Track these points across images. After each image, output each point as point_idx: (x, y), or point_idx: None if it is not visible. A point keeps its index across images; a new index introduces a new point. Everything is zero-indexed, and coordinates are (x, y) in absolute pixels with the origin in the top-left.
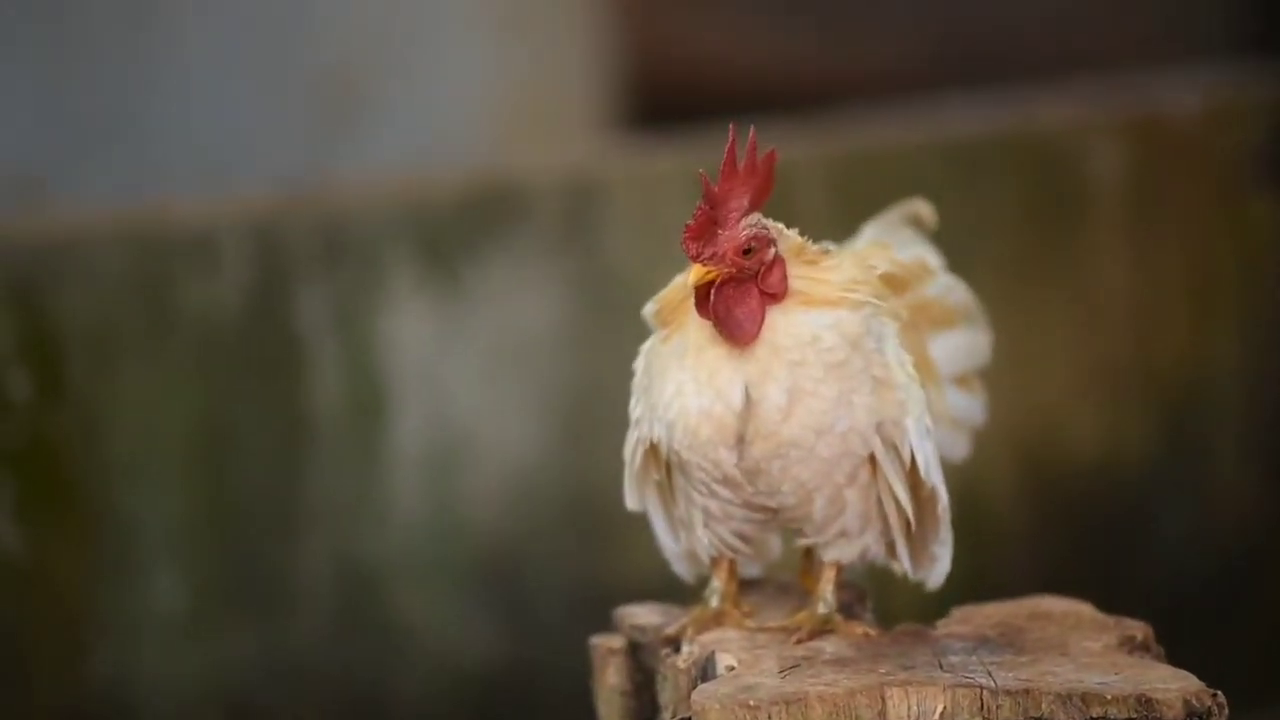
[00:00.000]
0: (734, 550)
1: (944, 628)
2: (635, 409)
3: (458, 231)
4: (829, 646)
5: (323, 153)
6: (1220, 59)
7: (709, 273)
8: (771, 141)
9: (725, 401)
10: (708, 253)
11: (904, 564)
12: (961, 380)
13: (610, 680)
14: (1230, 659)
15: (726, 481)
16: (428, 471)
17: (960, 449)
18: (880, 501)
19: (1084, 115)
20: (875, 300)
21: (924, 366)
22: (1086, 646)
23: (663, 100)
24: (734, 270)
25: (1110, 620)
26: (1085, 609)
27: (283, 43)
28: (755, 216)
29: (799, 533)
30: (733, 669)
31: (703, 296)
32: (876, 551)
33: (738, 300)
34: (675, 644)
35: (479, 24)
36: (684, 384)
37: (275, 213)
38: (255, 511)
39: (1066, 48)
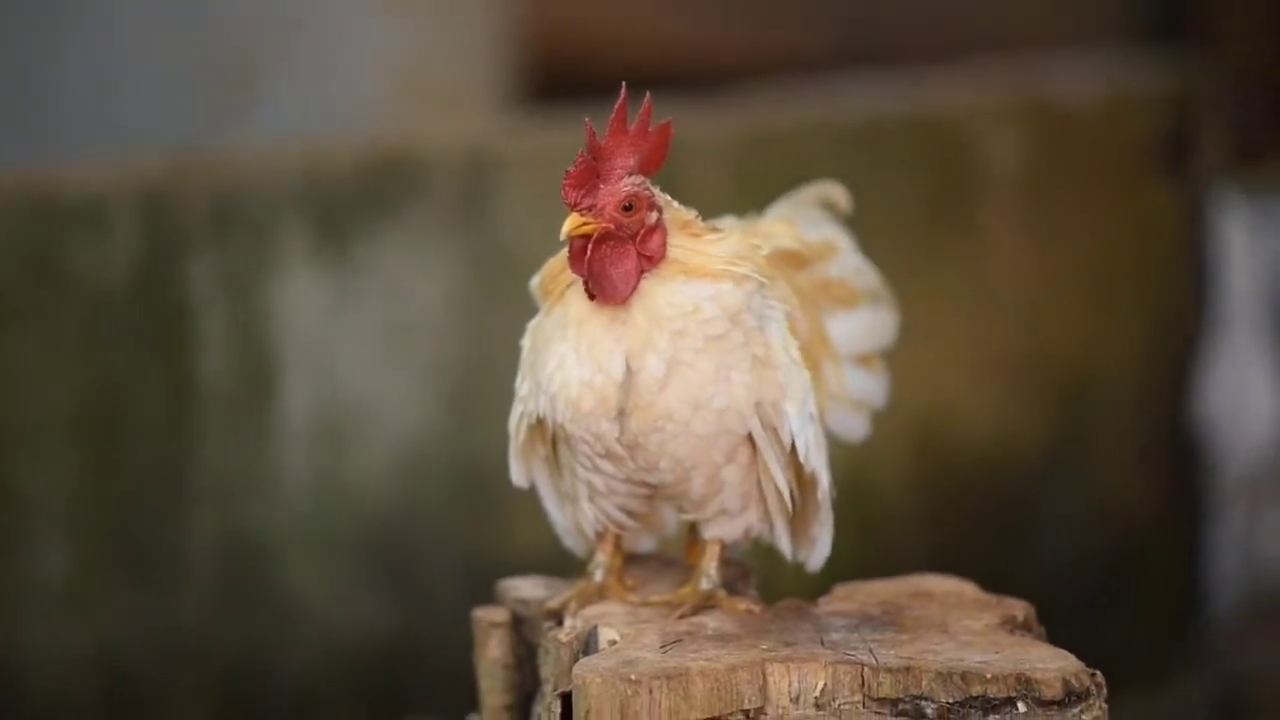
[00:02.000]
0: (620, 525)
1: (826, 605)
2: (520, 385)
3: (351, 204)
4: (711, 622)
5: (219, 123)
6: (1121, 46)
7: (585, 224)
8: (671, 119)
9: (606, 373)
10: (586, 203)
11: (783, 545)
12: (863, 360)
13: (492, 653)
14: (1116, 640)
15: (609, 456)
16: (317, 444)
17: (859, 429)
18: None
19: (984, 100)
20: (757, 275)
21: (821, 344)
22: (968, 625)
23: (562, 76)
24: (611, 226)
25: (992, 599)
26: (968, 588)
27: (180, 12)
28: (640, 178)
29: (680, 509)
30: (615, 643)
31: (578, 251)
32: (761, 530)
33: (614, 260)
34: (558, 617)
35: None
36: (565, 356)
37: (167, 181)
38: (142, 482)
39: (968, 32)
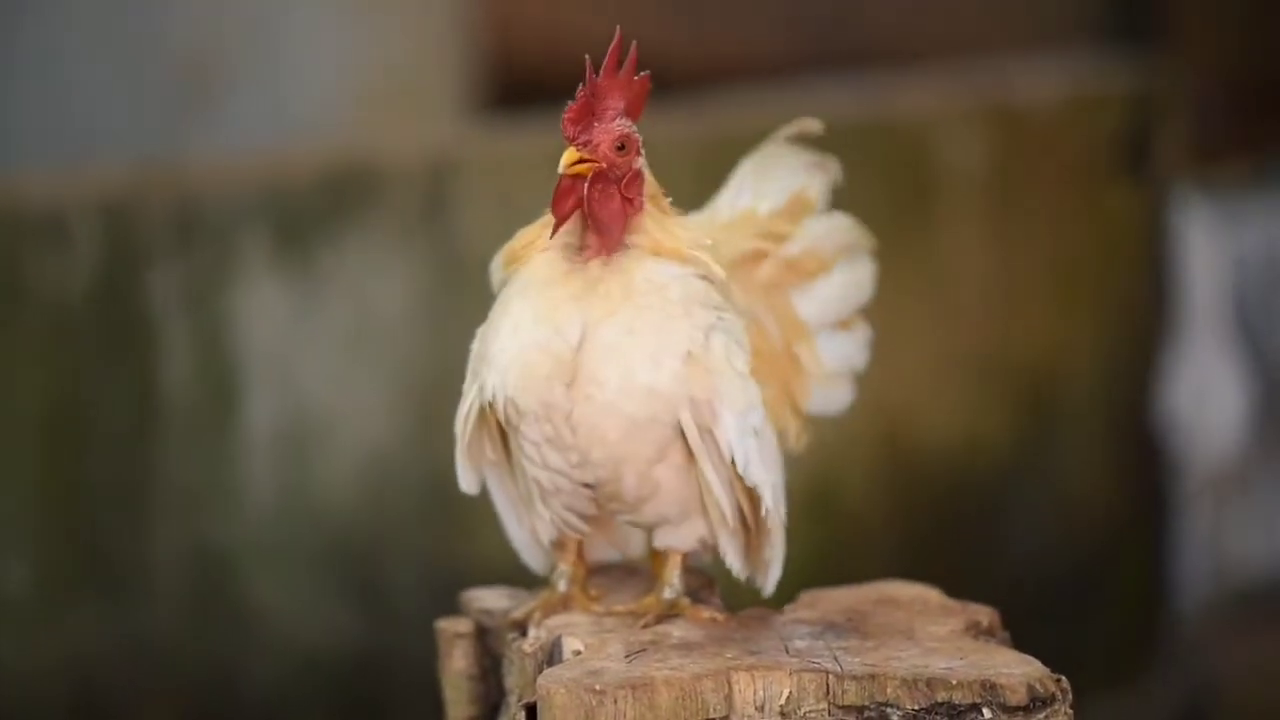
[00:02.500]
0: (574, 529)
1: (791, 613)
2: (469, 380)
3: (313, 213)
4: (676, 631)
5: (179, 132)
6: (1082, 48)
7: (581, 163)
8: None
9: (563, 336)
10: (583, 138)
11: (730, 562)
12: (842, 323)
13: (457, 664)
14: (1082, 640)
15: (554, 442)
16: (280, 454)
17: (842, 399)
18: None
19: (944, 102)
20: (713, 268)
21: (791, 327)
22: (932, 631)
23: (522, 83)
24: (605, 165)
25: (957, 605)
26: (932, 594)
27: (140, 21)
28: (629, 121)
29: (619, 513)
30: (579, 653)
31: (565, 191)
32: (710, 538)
33: (602, 201)
34: (522, 628)
35: (338, 4)
36: (522, 318)
37: (127, 191)
38: (106, 493)
39: (928, 34)
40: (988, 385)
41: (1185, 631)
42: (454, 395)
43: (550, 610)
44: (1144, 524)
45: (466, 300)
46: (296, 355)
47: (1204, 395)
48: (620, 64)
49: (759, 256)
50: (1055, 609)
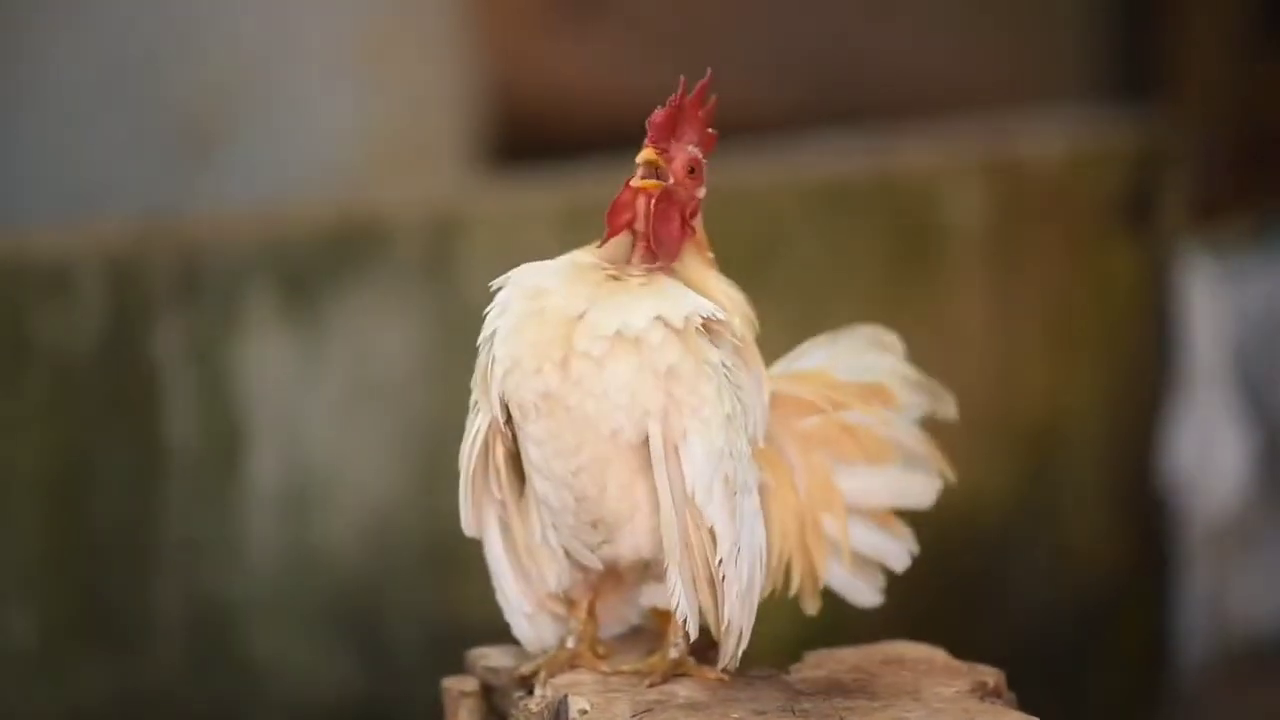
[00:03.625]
0: (584, 560)
1: (797, 672)
2: (471, 414)
3: (318, 266)
4: (682, 690)
5: (184, 186)
6: (1082, 104)
7: (655, 173)
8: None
9: (571, 304)
10: (663, 144)
11: (677, 607)
12: (881, 518)
13: None
14: (1083, 695)
15: (556, 439)
16: (284, 508)
17: (869, 593)
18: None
19: (945, 158)
20: (735, 326)
21: (822, 490)
22: (939, 692)
23: (527, 137)
24: (674, 181)
25: (963, 666)
26: (938, 654)
27: (144, 74)
28: (699, 151)
29: (601, 546)
30: (585, 712)
31: (624, 204)
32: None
33: (664, 219)
34: (528, 686)
35: (342, 57)
36: (544, 269)
37: (133, 245)
38: (109, 546)
39: (930, 90)
40: (989, 440)
41: (1188, 687)
42: (458, 449)
43: (557, 668)
44: (1146, 579)
45: (471, 355)
46: (301, 409)
47: (1206, 450)
48: (704, 99)
49: (811, 409)
50: (1057, 664)
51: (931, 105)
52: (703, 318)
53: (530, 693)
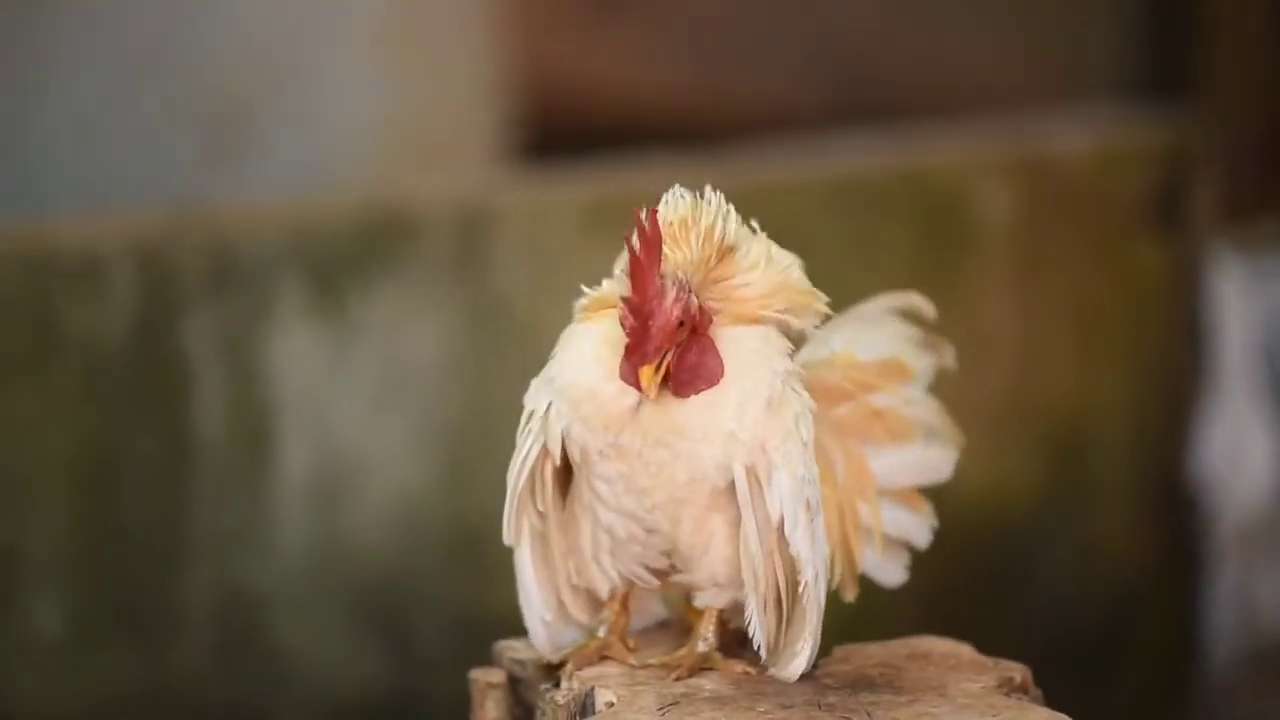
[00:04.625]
0: (643, 583)
1: (824, 667)
2: (524, 426)
3: (347, 259)
4: (708, 684)
5: (213, 177)
6: (1110, 102)
7: (657, 371)
8: (662, 174)
9: (620, 394)
10: (650, 351)
11: (756, 636)
12: (906, 497)
13: (489, 714)
14: (1110, 694)
15: (628, 480)
16: (313, 500)
17: (896, 572)
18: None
19: (973, 155)
20: (791, 321)
21: (858, 477)
22: (965, 688)
23: (556, 130)
24: (674, 349)
25: (989, 661)
26: (965, 650)
27: (173, 66)
28: (671, 285)
29: (676, 570)
30: (612, 705)
31: (665, 382)
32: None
33: (693, 355)
34: (555, 679)
35: (371, 50)
36: (601, 351)
37: (162, 237)
38: (138, 538)
39: (957, 87)
40: (1017, 438)
41: (1215, 684)
42: (486, 441)
43: (585, 659)
44: (1174, 577)
45: (499, 348)
46: (329, 401)
47: (1235, 449)
48: (654, 249)
49: (842, 395)
50: (1085, 661)
51: (959, 103)
52: (783, 373)
53: (557, 685)
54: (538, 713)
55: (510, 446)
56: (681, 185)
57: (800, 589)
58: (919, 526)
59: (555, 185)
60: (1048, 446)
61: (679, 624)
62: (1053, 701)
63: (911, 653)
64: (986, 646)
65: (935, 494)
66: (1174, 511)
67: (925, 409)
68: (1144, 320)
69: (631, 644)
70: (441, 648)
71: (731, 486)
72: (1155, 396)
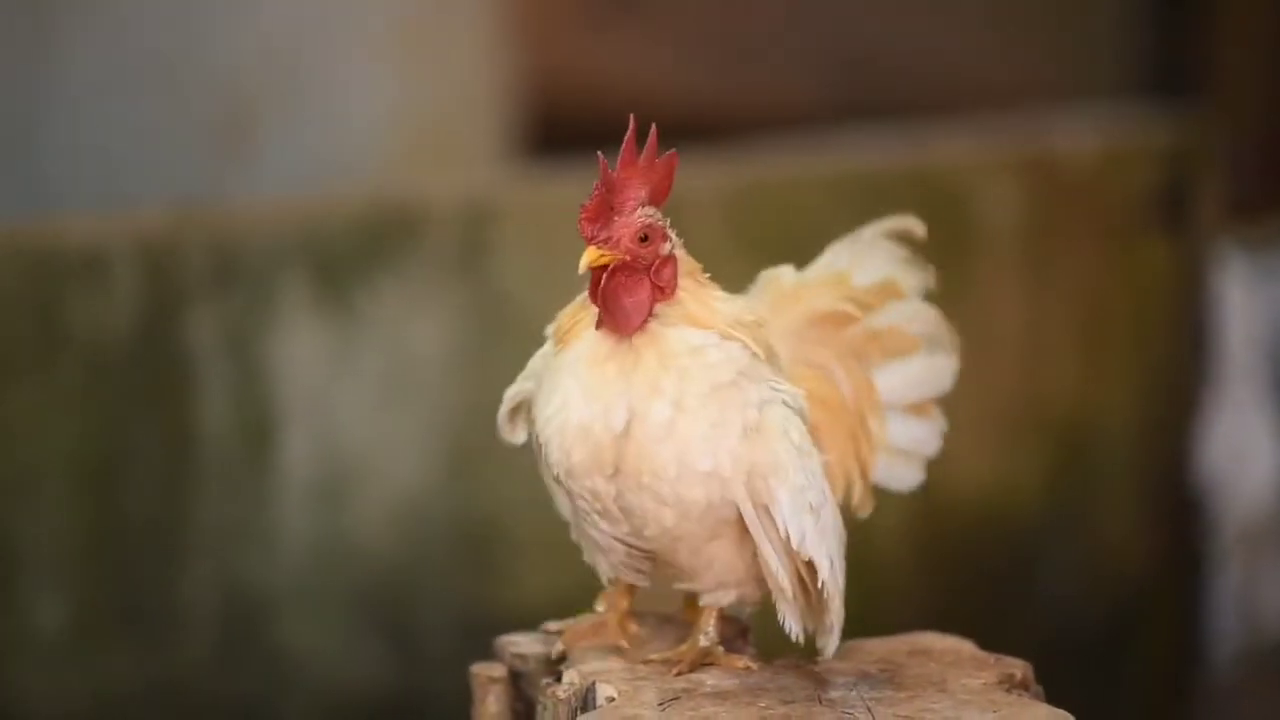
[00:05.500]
0: (633, 580)
1: (825, 662)
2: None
3: (351, 256)
4: (709, 679)
5: (218, 175)
6: (1116, 101)
7: (603, 256)
8: (674, 150)
9: (607, 419)
10: (603, 235)
11: (789, 629)
12: (917, 408)
13: (490, 709)
14: (1113, 693)
15: (605, 515)
16: (316, 496)
17: (911, 478)
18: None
19: (980, 153)
20: (751, 345)
21: (865, 395)
22: (966, 684)
23: (561, 127)
24: (628, 257)
25: (990, 658)
26: (966, 646)
27: (181, 63)
28: (653, 209)
29: (677, 579)
30: (613, 700)
31: (594, 281)
32: (755, 598)
33: (628, 289)
34: (556, 673)
35: (378, 48)
36: (570, 394)
37: (167, 233)
38: (141, 534)
39: (964, 85)
40: (1021, 437)
41: (1218, 683)
42: (489, 438)
43: (579, 635)
44: (1178, 576)
45: (503, 345)
46: (333, 398)
47: (1239, 450)
48: (637, 153)
49: (846, 320)
50: (1087, 659)
51: (967, 102)
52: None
53: (558, 680)
54: (539, 707)
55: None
56: (688, 182)
57: (820, 585)
58: (930, 433)
59: (561, 183)
60: (1052, 445)
61: (680, 619)
62: (1055, 699)
63: (913, 649)
64: (989, 644)
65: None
66: (1177, 510)
67: (923, 322)
68: (1148, 319)
69: (634, 627)
70: (444, 643)
71: (727, 517)
72: (1159, 395)
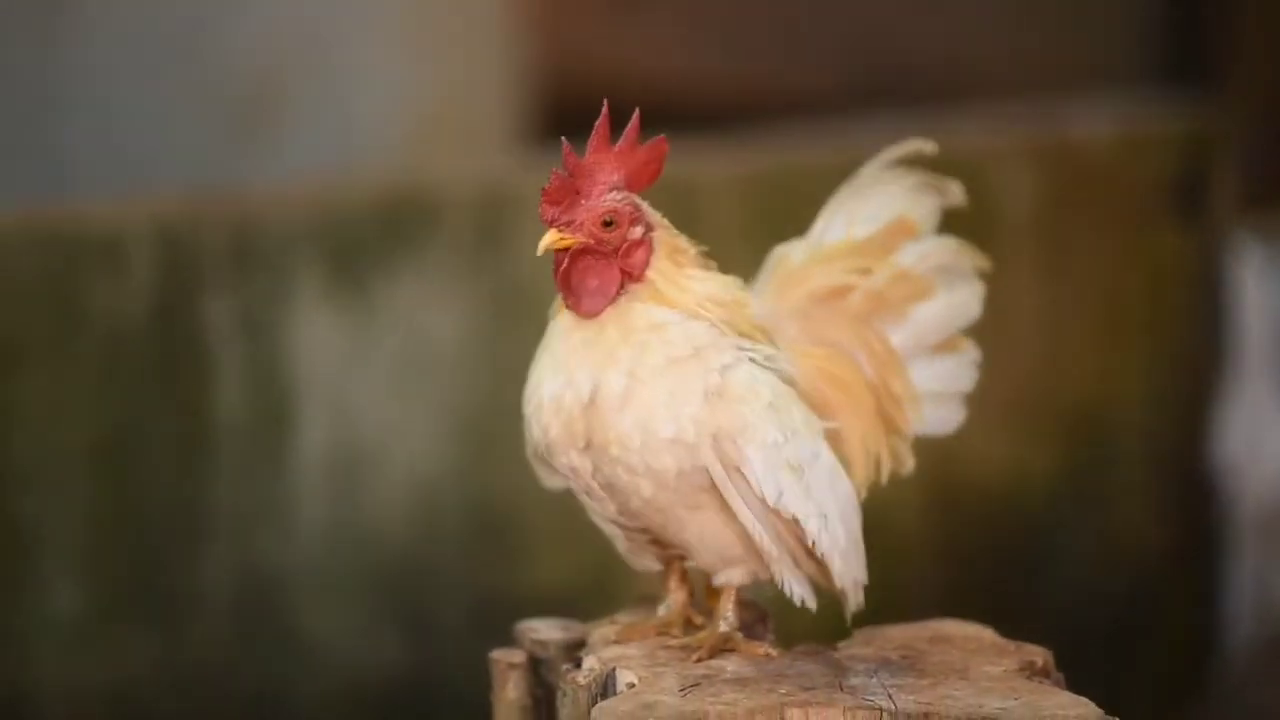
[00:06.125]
0: (647, 569)
1: (845, 649)
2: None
3: (367, 242)
4: (730, 665)
5: (236, 159)
6: (1136, 88)
7: (561, 239)
8: (683, 158)
9: (575, 389)
10: (564, 219)
11: (794, 594)
12: (946, 345)
13: (510, 695)
14: (1129, 679)
15: (591, 494)
16: (332, 481)
17: (951, 419)
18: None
19: (996, 141)
20: (721, 326)
21: (883, 359)
22: (987, 671)
23: (577, 114)
24: (590, 240)
25: (1011, 645)
26: (986, 633)
27: (197, 49)
28: (625, 193)
29: (688, 563)
30: (633, 686)
31: (557, 264)
32: (767, 575)
33: (593, 272)
34: (576, 659)
35: (394, 35)
36: (544, 368)
37: (184, 218)
38: (158, 518)
39: (980, 73)
40: (1037, 423)
41: (1233, 671)
42: (505, 423)
43: (641, 632)
44: (1192, 563)
45: (519, 329)
46: (349, 382)
47: (1254, 437)
48: (609, 138)
49: (847, 290)
50: (1102, 647)
51: (982, 89)
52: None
53: (578, 666)
54: (558, 693)
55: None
56: (703, 169)
57: (810, 543)
58: (962, 367)
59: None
60: (1068, 432)
61: (701, 606)
62: (1074, 685)
63: (933, 636)
64: (1007, 631)
65: (957, 479)
66: (1193, 498)
67: (940, 256)
68: (1164, 305)
69: (699, 619)
70: (460, 627)
71: (703, 484)
72: (1175, 383)
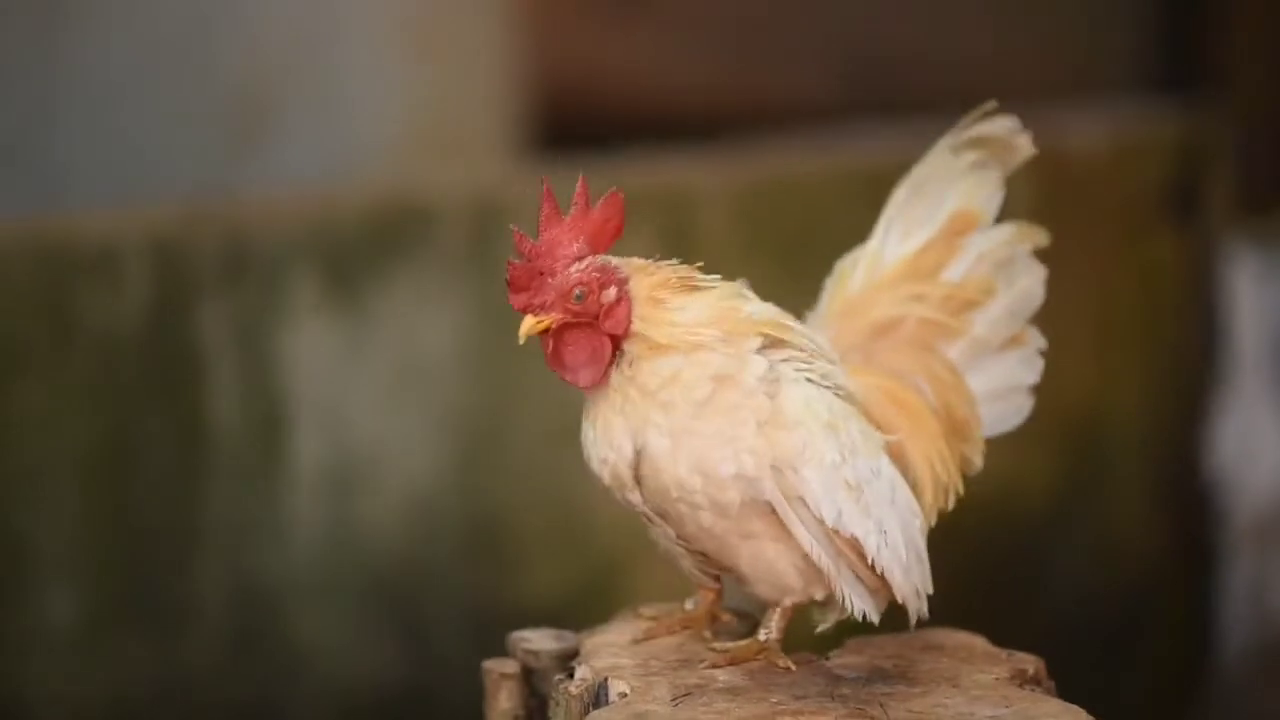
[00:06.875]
0: (706, 585)
1: (837, 658)
2: None
3: (361, 251)
4: (722, 675)
5: (230, 169)
6: (1127, 96)
7: (539, 323)
8: (679, 169)
9: (619, 453)
10: (535, 303)
11: (857, 609)
12: (1013, 340)
13: (502, 705)
14: (1124, 687)
15: (652, 521)
16: (327, 491)
17: (1018, 414)
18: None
19: None
20: (716, 344)
21: (946, 377)
22: (978, 679)
23: (571, 123)
24: (566, 317)
25: (1002, 654)
26: (978, 642)
27: (191, 59)
28: (589, 260)
29: (747, 590)
30: (625, 696)
31: (544, 346)
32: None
33: (581, 345)
34: (569, 670)
35: (388, 44)
36: (586, 432)
37: (178, 228)
38: (152, 529)
39: (974, 80)
40: (1031, 430)
41: (1227, 679)
42: (499, 433)
43: (667, 628)
44: (1186, 571)
45: (513, 340)
46: (344, 393)
47: (1249, 442)
48: (558, 211)
49: (900, 319)
50: (1098, 653)
51: (976, 97)
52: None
53: (570, 676)
54: (551, 703)
55: (521, 437)
56: (698, 179)
57: (870, 561)
58: (1029, 358)
59: (570, 179)
60: (1062, 439)
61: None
62: (1066, 693)
63: (925, 644)
64: (1000, 639)
65: None
66: (1188, 504)
67: (997, 252)
68: (1159, 313)
69: (726, 616)
70: (455, 638)
71: (762, 510)
72: (1170, 389)
